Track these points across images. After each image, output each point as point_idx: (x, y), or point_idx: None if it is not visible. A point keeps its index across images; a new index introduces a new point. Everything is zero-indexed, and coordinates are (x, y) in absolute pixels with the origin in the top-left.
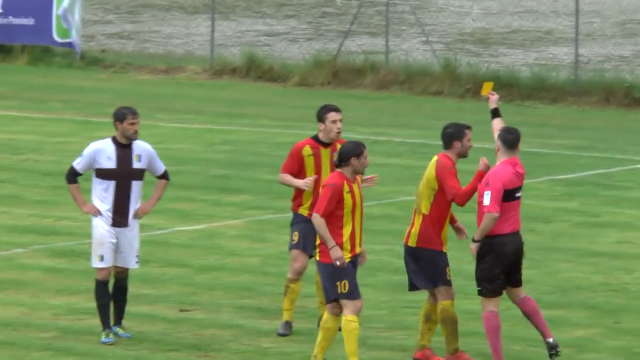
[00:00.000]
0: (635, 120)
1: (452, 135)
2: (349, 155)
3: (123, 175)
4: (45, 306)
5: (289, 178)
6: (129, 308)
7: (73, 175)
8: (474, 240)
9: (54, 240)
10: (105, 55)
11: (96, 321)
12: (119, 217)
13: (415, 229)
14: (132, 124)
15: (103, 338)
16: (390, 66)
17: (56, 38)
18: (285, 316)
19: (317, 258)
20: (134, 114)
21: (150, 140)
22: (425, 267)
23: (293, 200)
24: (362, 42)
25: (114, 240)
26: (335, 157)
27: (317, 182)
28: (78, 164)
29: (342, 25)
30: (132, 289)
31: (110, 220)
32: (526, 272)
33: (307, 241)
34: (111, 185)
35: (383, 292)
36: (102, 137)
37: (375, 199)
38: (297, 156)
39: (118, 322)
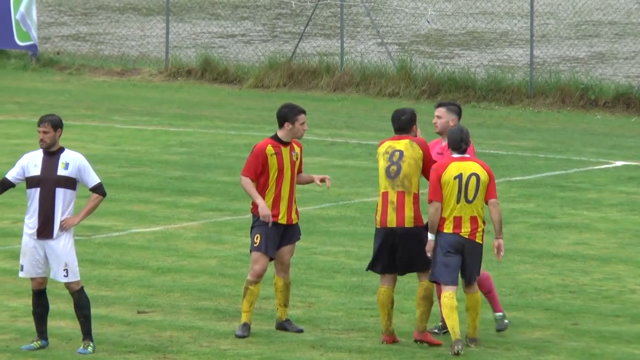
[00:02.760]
0: (591, 121)
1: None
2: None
3: (46, 182)
4: (3, 308)
5: (252, 190)
6: None
7: (3, 186)
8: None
9: (11, 242)
10: (60, 57)
11: (54, 323)
12: (43, 227)
13: (410, 210)
14: (39, 132)
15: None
16: (345, 68)
17: (18, 42)
18: (244, 318)
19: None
20: (40, 122)
21: (106, 142)
22: (422, 246)
23: (253, 203)
24: (317, 43)
25: (40, 252)
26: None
27: (279, 180)
28: (10, 173)
29: (297, 27)
30: (90, 291)
31: (35, 231)
32: None
33: (268, 244)
34: (36, 193)
35: (340, 294)
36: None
37: (332, 201)
38: (262, 156)
39: (84, 337)
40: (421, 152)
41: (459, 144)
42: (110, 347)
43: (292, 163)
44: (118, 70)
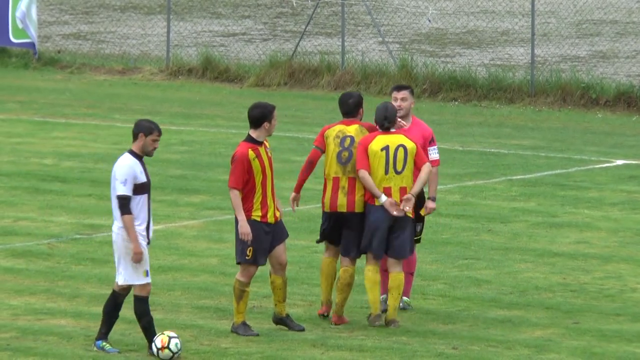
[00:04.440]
0: (592, 120)
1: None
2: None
3: (149, 187)
4: (4, 306)
5: (239, 204)
6: (89, 308)
7: (128, 203)
8: (434, 199)
9: (12, 240)
10: (62, 55)
11: (55, 321)
12: (148, 232)
13: (360, 195)
14: (155, 140)
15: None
16: (346, 67)
17: (13, 39)
18: (242, 318)
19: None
20: (159, 130)
21: (107, 141)
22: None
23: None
24: (318, 42)
25: None
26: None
27: (264, 182)
28: (126, 190)
29: (298, 26)
30: (91, 289)
31: (146, 236)
32: (485, 272)
33: (259, 254)
34: (144, 199)
35: None
36: (59, 138)
37: None
38: (246, 162)
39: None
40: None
41: (383, 121)
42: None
43: (270, 160)
44: (119, 69)
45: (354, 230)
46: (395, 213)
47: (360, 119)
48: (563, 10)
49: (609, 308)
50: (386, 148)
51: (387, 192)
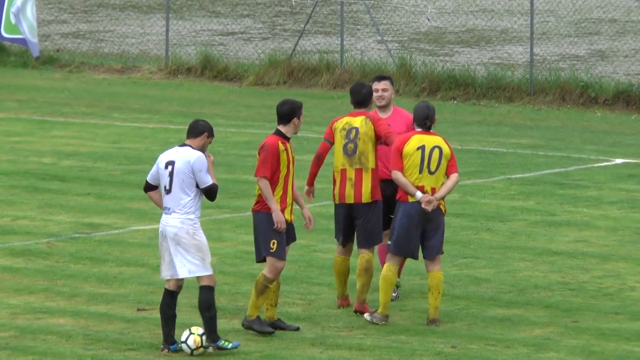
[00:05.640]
0: (591, 119)
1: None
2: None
3: None
4: (2, 305)
5: (271, 193)
6: (88, 307)
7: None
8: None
9: (11, 239)
10: (60, 54)
11: (54, 320)
12: None
13: (367, 187)
14: (210, 141)
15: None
16: (345, 65)
17: (4, 34)
18: (257, 312)
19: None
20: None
21: (106, 140)
22: (379, 220)
23: (260, 202)
24: (317, 41)
25: None
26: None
27: (287, 177)
28: (212, 178)
29: (297, 25)
30: (90, 288)
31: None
32: (484, 271)
33: (282, 248)
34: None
35: None
36: (58, 137)
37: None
38: (276, 153)
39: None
40: (372, 127)
41: (424, 121)
42: (110, 344)
43: (294, 159)
44: (118, 67)
45: (365, 221)
46: (429, 209)
47: (369, 110)
48: (562, 9)
49: (608, 307)
50: (422, 148)
51: (421, 191)
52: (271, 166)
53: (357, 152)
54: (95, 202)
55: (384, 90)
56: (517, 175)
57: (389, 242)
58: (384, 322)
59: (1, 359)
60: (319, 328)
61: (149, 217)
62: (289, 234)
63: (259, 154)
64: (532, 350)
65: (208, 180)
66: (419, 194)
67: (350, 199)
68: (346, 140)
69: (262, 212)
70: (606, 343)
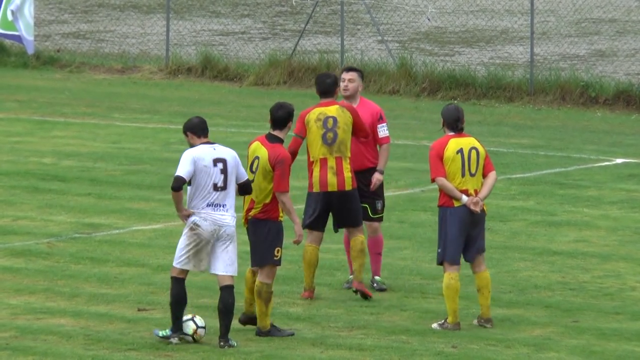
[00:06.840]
0: (591, 119)
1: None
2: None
3: None
4: (3, 305)
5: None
6: (88, 307)
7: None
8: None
9: (11, 239)
10: (61, 54)
11: (54, 321)
12: None
13: (348, 173)
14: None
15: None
16: (345, 65)
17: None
18: (268, 321)
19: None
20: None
21: (106, 140)
22: (358, 205)
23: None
24: (317, 41)
25: None
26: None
27: None
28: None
29: (298, 25)
30: (90, 288)
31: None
32: None
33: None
34: None
35: (340, 292)
36: (59, 137)
37: None
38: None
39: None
40: (351, 117)
41: (456, 123)
42: (111, 344)
43: None
44: (118, 68)
45: (349, 206)
46: (478, 210)
47: (336, 99)
48: (562, 8)
49: (608, 307)
50: (460, 151)
51: (466, 194)
52: (289, 178)
53: (337, 141)
54: (95, 202)
55: (350, 80)
56: (517, 175)
57: (438, 250)
58: (457, 330)
59: (1, 359)
60: (319, 328)
61: (149, 217)
62: None
63: (272, 166)
64: (532, 350)
65: (246, 174)
66: (464, 197)
67: (333, 186)
68: (324, 130)
69: (270, 221)
70: (606, 343)
